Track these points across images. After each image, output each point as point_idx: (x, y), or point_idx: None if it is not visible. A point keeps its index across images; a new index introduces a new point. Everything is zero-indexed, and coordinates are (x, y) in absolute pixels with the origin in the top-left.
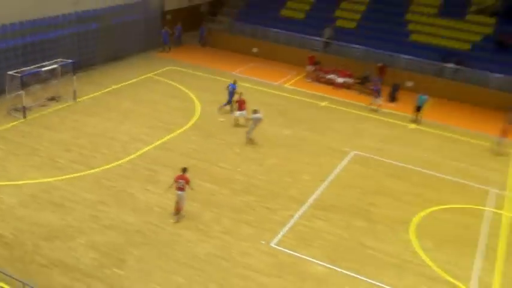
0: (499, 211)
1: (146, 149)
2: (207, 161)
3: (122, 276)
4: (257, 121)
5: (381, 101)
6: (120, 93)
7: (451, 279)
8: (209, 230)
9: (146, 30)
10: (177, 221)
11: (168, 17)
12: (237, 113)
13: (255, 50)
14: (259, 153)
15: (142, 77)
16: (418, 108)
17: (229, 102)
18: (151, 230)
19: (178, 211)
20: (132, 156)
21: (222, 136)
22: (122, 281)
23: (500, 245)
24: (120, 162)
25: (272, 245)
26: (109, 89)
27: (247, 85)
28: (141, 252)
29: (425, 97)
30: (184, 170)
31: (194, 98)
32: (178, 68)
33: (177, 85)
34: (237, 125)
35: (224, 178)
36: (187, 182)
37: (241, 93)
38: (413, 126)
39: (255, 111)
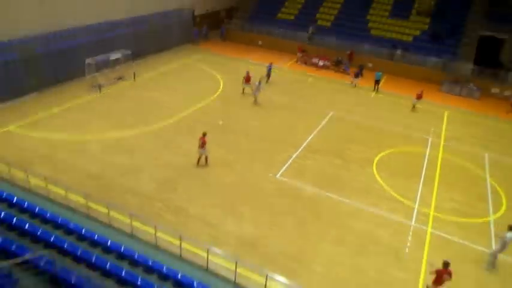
0: (434, 152)
1: (186, 112)
2: (229, 119)
3: (175, 199)
4: (259, 87)
5: (358, 80)
6: (166, 74)
7: (401, 199)
8: (232, 166)
9: (182, 29)
10: (198, 166)
11: (197, 20)
12: (244, 85)
13: (260, 42)
14: (266, 113)
15: (181, 62)
16: (377, 82)
17: (268, 77)
18: (193, 167)
19: (198, 161)
20: (177, 118)
21: (239, 103)
22: (175, 202)
23: (436, 175)
24: (169, 121)
25: (277, 176)
26: (158, 71)
27: (256, 67)
28: (187, 182)
29: (380, 73)
30: (204, 134)
31: (219, 77)
32: (207, 56)
33: (206, 68)
34: (244, 93)
35: (241, 130)
36: (204, 142)
37: (248, 71)
38: (373, 94)
39: (259, 82)
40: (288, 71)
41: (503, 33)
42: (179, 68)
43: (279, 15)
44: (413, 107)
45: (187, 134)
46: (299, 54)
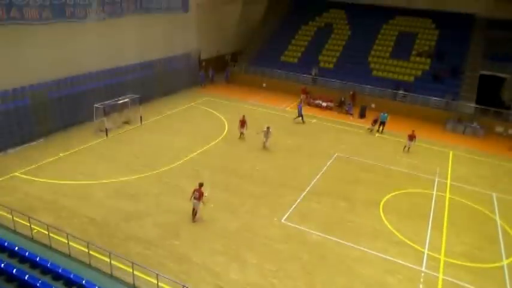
0: (442, 194)
1: (191, 155)
2: (234, 162)
3: (178, 245)
4: (268, 133)
5: (376, 127)
6: (172, 117)
7: (410, 243)
8: (237, 211)
9: (188, 73)
10: (195, 221)
11: (203, 63)
12: (240, 129)
13: (264, 85)
14: (270, 155)
15: (187, 105)
16: (381, 123)
17: (299, 115)
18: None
19: (194, 215)
20: (182, 161)
21: (243, 145)
22: (178, 248)
23: (444, 217)
24: (174, 165)
25: (282, 221)
26: (165, 114)
27: (260, 109)
28: (191, 228)
29: (386, 114)
30: (201, 185)
31: (223, 119)
32: (212, 99)
33: (212, 110)
34: (240, 138)
35: (246, 174)
36: (200, 194)
37: (244, 115)
38: (377, 135)
39: (267, 128)
40: (291, 112)
41: (504, 72)
42: (185, 110)
43: (283, 58)
44: (406, 148)
45: (192, 178)
46: (303, 96)
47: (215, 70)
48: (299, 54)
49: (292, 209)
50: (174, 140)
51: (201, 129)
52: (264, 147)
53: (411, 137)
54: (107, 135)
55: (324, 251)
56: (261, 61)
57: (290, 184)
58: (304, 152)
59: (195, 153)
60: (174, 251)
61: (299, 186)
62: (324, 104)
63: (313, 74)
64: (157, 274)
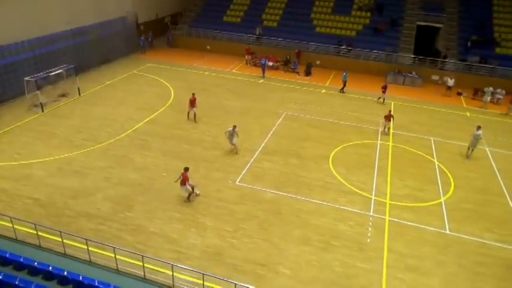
0: (385, 142)
1: (138, 125)
2: (183, 129)
3: (132, 217)
4: (233, 133)
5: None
6: (113, 87)
7: (359, 191)
8: (191, 177)
9: (126, 38)
10: (192, 200)
11: (141, 27)
12: (189, 108)
13: (208, 47)
14: (220, 120)
15: (129, 73)
16: (344, 83)
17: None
18: (149, 182)
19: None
20: (128, 132)
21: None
22: (133, 220)
23: (388, 164)
24: (120, 136)
25: (237, 182)
26: (104, 84)
27: (207, 73)
28: (144, 199)
29: (345, 74)
30: (186, 169)
31: (169, 85)
32: (154, 65)
33: (155, 77)
34: (189, 119)
35: (197, 140)
36: (184, 179)
37: (194, 94)
38: (323, 91)
39: (233, 127)
40: (237, 74)
41: (438, 22)
42: (127, 78)
43: (225, 18)
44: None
45: (141, 148)
46: (247, 57)
47: (155, 35)
48: (242, 14)
49: (245, 170)
50: (117, 111)
51: (146, 97)
52: (235, 152)
53: (388, 118)
54: (42, 110)
55: (279, 207)
56: (203, 23)
57: (242, 146)
58: (253, 113)
59: (141, 123)
60: (129, 223)
61: (251, 147)
62: (270, 64)
63: (257, 33)
64: (113, 247)
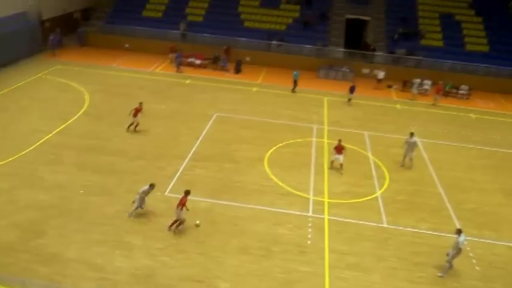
0: (320, 140)
1: (47, 137)
2: (102, 139)
3: (45, 245)
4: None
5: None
6: (15, 94)
7: (296, 192)
8: (114, 192)
9: (29, 37)
10: (175, 232)
11: (47, 24)
12: (133, 118)
13: (127, 45)
14: (145, 126)
15: (33, 77)
16: (295, 82)
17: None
18: (63, 202)
19: (172, 224)
20: (35, 145)
21: (110, 118)
22: (46, 248)
23: (325, 162)
24: (24, 152)
25: (166, 194)
26: (4, 91)
27: (126, 74)
28: (58, 222)
29: (297, 72)
30: (187, 192)
31: (83, 89)
32: (65, 67)
33: (66, 81)
34: (128, 130)
35: (119, 150)
36: (181, 203)
37: (141, 103)
38: (255, 89)
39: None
40: (161, 74)
41: (366, 15)
42: (31, 84)
43: (145, 12)
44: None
45: (51, 164)
46: (172, 55)
47: (64, 32)
48: (163, 8)
49: (175, 179)
50: (21, 122)
51: (56, 104)
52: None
53: (339, 150)
54: None
55: (214, 217)
56: (120, 18)
57: (170, 154)
58: (181, 116)
59: (50, 135)
60: (41, 252)
61: (180, 154)
62: (198, 62)
63: (181, 29)
64: (23, 281)
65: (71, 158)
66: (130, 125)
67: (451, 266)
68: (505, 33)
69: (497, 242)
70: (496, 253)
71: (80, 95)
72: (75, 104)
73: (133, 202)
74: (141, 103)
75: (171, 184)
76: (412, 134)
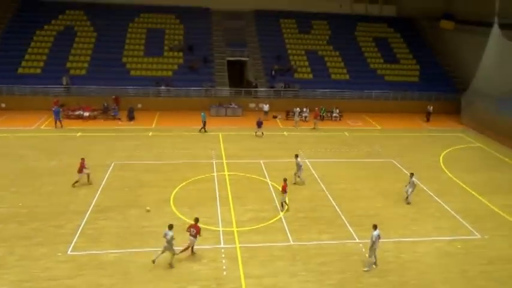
0: (222, 173)
1: None
2: None
3: None
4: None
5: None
6: None
7: (207, 226)
8: (5, 262)
9: None
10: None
11: None
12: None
13: (3, 105)
14: (34, 186)
15: None
16: (203, 122)
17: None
18: None
19: (191, 251)
20: None
21: None
22: None
23: (229, 194)
24: None
25: (68, 253)
26: None
27: (5, 135)
28: None
29: (203, 113)
30: (197, 220)
31: None
32: None
33: None
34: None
35: (6, 216)
36: (197, 231)
37: (83, 158)
38: (151, 133)
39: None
40: (48, 130)
41: (244, 56)
42: None
43: (21, 70)
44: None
45: None
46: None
47: None
48: (41, 64)
49: (77, 236)
50: None
51: None
52: None
53: (284, 190)
54: None
55: (126, 267)
56: None
57: (68, 210)
58: (75, 170)
59: None
60: None
61: (79, 209)
62: (87, 114)
63: (64, 83)
64: None
65: None
66: (76, 182)
67: (373, 259)
68: (358, 63)
69: (386, 240)
70: (387, 249)
71: None
72: None
73: (162, 252)
74: (82, 158)
75: (73, 242)
76: (296, 155)
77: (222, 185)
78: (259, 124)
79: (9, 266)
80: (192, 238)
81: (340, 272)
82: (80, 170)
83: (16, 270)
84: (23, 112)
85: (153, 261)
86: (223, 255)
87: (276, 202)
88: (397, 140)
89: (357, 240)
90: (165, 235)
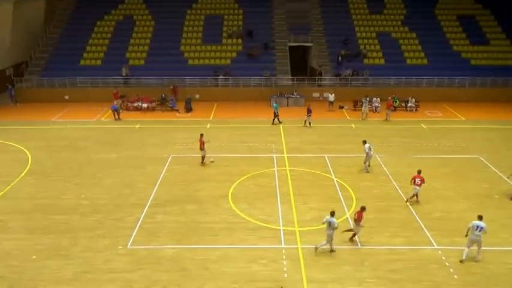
0: (283, 168)
1: None
2: (50, 197)
3: None
4: None
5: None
6: None
7: (266, 225)
8: (70, 253)
9: None
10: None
11: None
12: None
13: (66, 97)
14: (96, 178)
15: None
16: (275, 114)
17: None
18: (14, 272)
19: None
20: None
21: (57, 174)
22: None
23: (290, 190)
24: None
25: (128, 246)
26: None
27: (68, 127)
28: None
29: (276, 104)
30: (363, 208)
31: (23, 148)
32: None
33: (3, 141)
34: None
35: (71, 207)
36: (360, 217)
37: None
38: (209, 125)
39: None
40: (108, 122)
41: (307, 42)
42: None
43: (83, 61)
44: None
45: None
46: (116, 102)
47: None
48: (102, 55)
49: (136, 230)
50: None
51: None
52: None
53: (309, 111)
54: None
55: (183, 263)
56: (56, 70)
57: (127, 203)
58: (134, 163)
59: None
60: None
61: (138, 202)
62: (145, 105)
63: (124, 74)
64: None
65: (18, 222)
66: (202, 160)
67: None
68: (438, 46)
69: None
70: (472, 258)
71: (20, 154)
72: (16, 163)
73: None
74: (201, 134)
75: (133, 235)
76: (364, 142)
77: (283, 180)
78: (309, 111)
79: (74, 257)
80: (354, 224)
81: (415, 282)
82: (202, 147)
83: (79, 261)
84: (84, 104)
85: (316, 249)
86: (284, 257)
87: (343, 201)
88: (485, 133)
89: (435, 247)
90: (330, 222)
